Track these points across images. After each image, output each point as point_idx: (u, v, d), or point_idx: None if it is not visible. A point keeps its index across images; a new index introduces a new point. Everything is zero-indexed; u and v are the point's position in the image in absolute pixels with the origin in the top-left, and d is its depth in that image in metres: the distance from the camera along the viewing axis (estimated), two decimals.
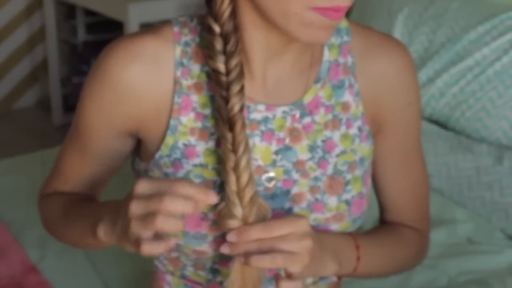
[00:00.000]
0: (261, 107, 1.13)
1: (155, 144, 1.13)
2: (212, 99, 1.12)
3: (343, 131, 1.17)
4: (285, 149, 1.14)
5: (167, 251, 0.92)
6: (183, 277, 1.26)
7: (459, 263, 1.92)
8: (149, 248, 0.89)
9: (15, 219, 2.16)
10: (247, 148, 1.03)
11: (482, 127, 2.43)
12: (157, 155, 1.13)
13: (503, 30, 2.50)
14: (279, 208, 1.13)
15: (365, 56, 1.20)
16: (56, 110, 4.82)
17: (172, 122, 1.11)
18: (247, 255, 1.00)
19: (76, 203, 1.23)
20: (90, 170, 1.23)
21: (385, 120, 1.23)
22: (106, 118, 1.15)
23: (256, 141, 1.13)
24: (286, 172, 1.14)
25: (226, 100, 1.03)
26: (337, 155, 1.17)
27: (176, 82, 1.12)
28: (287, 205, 1.15)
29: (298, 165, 1.15)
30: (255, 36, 1.08)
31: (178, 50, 1.13)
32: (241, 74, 1.04)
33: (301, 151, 1.15)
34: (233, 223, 1.02)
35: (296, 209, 1.15)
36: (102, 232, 1.02)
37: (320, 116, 1.16)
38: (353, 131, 1.18)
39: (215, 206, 1.06)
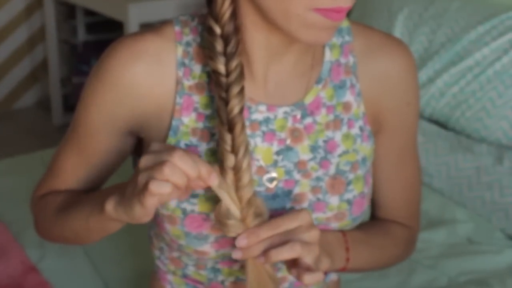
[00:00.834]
0: (262, 107, 1.13)
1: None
2: (212, 100, 1.12)
3: (344, 131, 1.18)
4: (286, 150, 1.15)
5: (171, 197, 0.94)
6: (184, 276, 1.26)
7: (459, 263, 1.92)
8: (157, 186, 0.89)
9: (15, 219, 2.16)
10: (248, 150, 1.03)
11: (482, 127, 2.43)
12: None
13: (503, 30, 2.51)
14: (281, 208, 1.13)
15: (367, 56, 1.20)
16: (56, 110, 4.82)
17: (174, 122, 1.11)
18: (264, 253, 1.01)
19: (77, 194, 1.22)
20: (88, 170, 1.22)
21: (384, 120, 1.24)
22: (107, 117, 1.15)
23: (258, 142, 1.13)
24: (288, 172, 1.15)
25: (226, 102, 1.03)
26: (339, 155, 1.17)
27: (178, 82, 1.13)
28: (288, 205, 1.15)
29: (300, 166, 1.15)
30: (257, 37, 1.08)
31: (180, 50, 1.13)
32: (241, 76, 1.04)
33: (302, 151, 1.15)
34: (231, 223, 1.02)
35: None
36: (111, 205, 1.00)
37: (322, 117, 1.16)
38: (355, 131, 1.19)
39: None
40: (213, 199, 1.08)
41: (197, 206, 1.11)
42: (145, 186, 0.90)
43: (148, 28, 1.17)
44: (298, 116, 1.15)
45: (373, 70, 1.20)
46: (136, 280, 1.81)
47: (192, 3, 3.84)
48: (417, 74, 1.25)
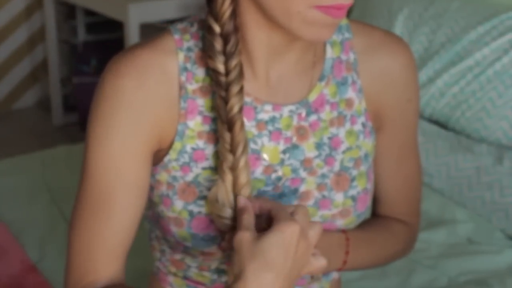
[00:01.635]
0: (268, 107, 1.13)
1: (164, 149, 1.11)
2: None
3: (348, 128, 1.18)
4: (292, 148, 1.15)
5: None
6: (186, 278, 1.26)
7: (459, 263, 1.93)
8: None
9: (15, 219, 2.17)
10: (246, 149, 1.04)
11: (482, 127, 2.44)
12: (165, 159, 1.12)
13: (503, 30, 2.51)
14: None
15: (368, 53, 1.21)
16: (56, 110, 4.83)
17: (179, 127, 1.10)
18: None
19: None
20: (120, 226, 1.09)
21: (385, 117, 1.25)
22: (127, 145, 1.09)
23: (265, 141, 1.13)
24: (294, 170, 1.15)
25: (226, 101, 1.03)
26: (343, 152, 1.18)
27: (181, 87, 1.12)
28: (294, 203, 1.14)
29: (306, 163, 1.16)
30: (258, 36, 1.08)
31: (181, 56, 1.12)
32: (240, 75, 1.04)
33: (308, 149, 1.16)
34: (223, 222, 1.04)
35: None
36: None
37: (326, 114, 1.17)
38: (357, 127, 1.19)
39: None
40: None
41: (204, 208, 1.11)
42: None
43: (146, 40, 1.16)
44: (303, 114, 1.15)
45: (373, 67, 1.21)
46: (135, 281, 1.80)
47: (192, 3, 3.85)
48: (417, 72, 1.26)
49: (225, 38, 1.04)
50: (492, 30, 2.54)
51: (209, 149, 1.11)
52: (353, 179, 1.18)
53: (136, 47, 1.14)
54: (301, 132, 1.15)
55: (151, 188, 1.16)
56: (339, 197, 1.17)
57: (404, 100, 1.25)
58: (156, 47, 1.12)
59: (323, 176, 1.16)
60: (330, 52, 1.18)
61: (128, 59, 1.10)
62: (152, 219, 1.23)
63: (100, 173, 1.08)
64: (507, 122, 2.38)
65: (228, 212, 1.03)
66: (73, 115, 4.81)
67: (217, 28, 1.03)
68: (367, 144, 1.21)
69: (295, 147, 1.15)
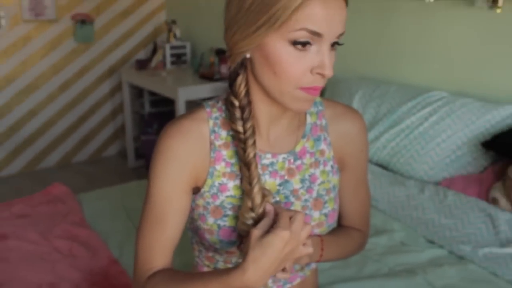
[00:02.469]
0: (269, 155, 1.13)
1: (200, 184, 1.12)
2: (236, 152, 1.12)
3: (321, 169, 1.19)
4: (285, 182, 1.15)
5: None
6: (215, 268, 1.24)
7: (396, 258, 1.91)
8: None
9: (103, 229, 2.17)
10: (259, 181, 1.03)
11: (410, 169, 2.46)
12: (202, 191, 1.12)
13: (424, 105, 2.55)
14: None
15: (334, 120, 1.21)
16: (130, 158, 4.81)
17: (210, 169, 1.11)
18: None
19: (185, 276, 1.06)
20: (170, 233, 1.11)
21: (346, 162, 1.24)
22: (176, 182, 1.10)
23: (267, 178, 1.13)
24: (286, 197, 1.15)
25: (244, 150, 1.04)
26: (319, 184, 1.18)
27: (211, 143, 1.12)
28: None
29: (294, 192, 1.16)
30: (262, 108, 1.09)
31: (211, 122, 1.12)
32: (253, 133, 1.05)
33: (295, 183, 1.16)
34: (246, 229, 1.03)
35: None
36: (231, 278, 0.93)
37: (307, 159, 1.17)
38: (328, 168, 1.20)
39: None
40: (237, 218, 1.10)
41: (227, 222, 1.12)
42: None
43: (188, 112, 1.16)
44: (292, 160, 1.15)
45: (338, 129, 1.21)
46: (183, 269, 1.81)
47: (219, 87, 3.88)
48: (367, 132, 1.25)
49: (242, 109, 1.05)
50: (417, 105, 2.58)
51: (230, 184, 1.11)
52: (325, 202, 1.18)
53: (181, 117, 1.14)
54: (290, 172, 1.15)
55: (192, 209, 1.17)
56: (316, 214, 1.17)
57: (359, 151, 1.25)
58: (194, 117, 1.12)
59: (306, 200, 1.16)
60: (309, 119, 1.19)
61: (175, 126, 1.11)
62: (192, 230, 1.23)
63: (157, 200, 1.10)
64: (427, 166, 2.40)
65: (250, 221, 1.03)
66: (141, 161, 4.78)
67: (236, 102, 1.05)
68: (334, 179, 1.21)
69: (286, 181, 1.15)
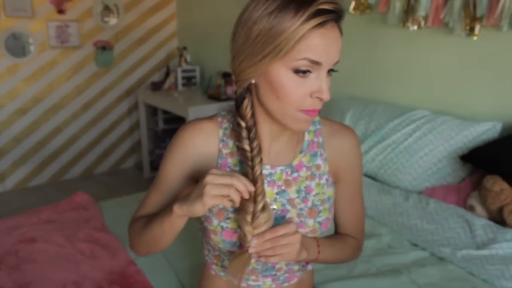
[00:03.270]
0: (268, 166, 1.14)
1: None
2: (240, 162, 1.13)
3: (317, 181, 1.18)
4: (282, 192, 1.15)
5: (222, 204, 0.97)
6: (222, 266, 1.25)
7: (383, 259, 1.91)
8: (216, 192, 0.95)
9: (122, 233, 2.15)
10: (265, 195, 1.04)
11: (396, 179, 2.46)
12: None
13: (409, 122, 2.55)
14: None
15: (330, 137, 1.21)
16: (146, 169, 4.81)
17: None
18: (263, 254, 1.04)
19: (155, 213, 1.17)
20: (163, 200, 1.19)
21: (341, 175, 1.23)
22: (179, 167, 1.15)
23: (265, 186, 1.13)
24: (283, 205, 1.15)
25: (252, 168, 1.04)
26: (314, 195, 1.17)
27: (219, 150, 1.14)
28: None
29: (290, 201, 1.15)
30: (264, 126, 1.10)
31: (221, 132, 1.15)
32: (260, 151, 1.05)
33: (291, 193, 1.16)
34: (249, 229, 1.04)
35: None
36: (177, 205, 1.00)
37: (303, 172, 1.17)
38: (323, 181, 1.19)
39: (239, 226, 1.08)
40: (237, 221, 1.10)
41: (230, 224, 1.12)
42: (210, 193, 0.94)
43: (205, 117, 1.20)
44: (289, 172, 1.16)
45: (334, 145, 1.21)
46: (194, 269, 1.80)
47: (225, 108, 3.89)
48: (360, 148, 1.25)
49: (249, 129, 1.05)
50: (402, 122, 2.58)
51: None
52: (320, 212, 1.17)
53: (199, 118, 1.18)
54: (287, 183, 1.15)
55: None
56: (310, 222, 1.16)
57: (353, 166, 1.24)
58: (209, 122, 1.16)
59: (301, 209, 1.16)
60: (307, 136, 1.19)
61: (192, 123, 1.16)
62: (202, 231, 1.23)
63: (160, 175, 1.19)
64: (411, 177, 2.40)
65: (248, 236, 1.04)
66: (156, 173, 4.69)
67: (243, 123, 1.06)
68: (329, 191, 1.20)
69: (283, 191, 1.15)
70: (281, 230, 1.03)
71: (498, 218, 2.02)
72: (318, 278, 1.72)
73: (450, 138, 2.36)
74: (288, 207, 1.16)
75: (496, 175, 2.05)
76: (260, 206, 1.03)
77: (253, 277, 1.24)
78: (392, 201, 2.29)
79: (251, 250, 1.03)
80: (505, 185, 1.99)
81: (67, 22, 4.38)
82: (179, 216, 1.02)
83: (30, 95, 4.36)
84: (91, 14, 4.53)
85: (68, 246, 1.99)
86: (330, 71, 1.00)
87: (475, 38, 2.39)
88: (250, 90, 1.06)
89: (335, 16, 0.96)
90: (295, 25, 0.92)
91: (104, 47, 4.62)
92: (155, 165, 4.77)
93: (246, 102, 1.05)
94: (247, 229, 1.04)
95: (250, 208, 1.03)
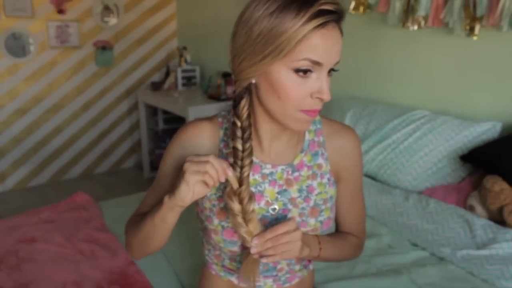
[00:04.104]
0: (269, 166, 1.14)
1: None
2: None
3: (318, 181, 1.18)
4: (283, 191, 1.15)
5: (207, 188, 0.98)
6: (223, 265, 1.25)
7: (383, 259, 1.91)
8: (192, 179, 0.96)
9: (121, 233, 2.09)
10: (251, 199, 1.05)
11: (396, 179, 2.46)
12: (208, 194, 1.14)
13: (409, 122, 2.55)
14: None
15: (331, 136, 1.21)
16: (146, 169, 4.81)
17: None
18: (265, 253, 1.04)
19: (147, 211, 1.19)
20: (158, 198, 1.20)
21: (342, 175, 1.23)
22: (175, 168, 1.16)
23: (266, 186, 1.13)
24: (284, 204, 1.15)
25: (241, 167, 1.04)
26: (316, 195, 1.17)
27: (220, 150, 1.14)
28: None
29: (292, 200, 1.15)
30: (264, 127, 1.10)
31: (221, 132, 1.15)
32: (251, 153, 1.04)
33: (293, 192, 1.15)
34: (243, 235, 1.05)
35: None
36: (167, 197, 1.01)
37: (304, 172, 1.17)
38: (325, 180, 1.19)
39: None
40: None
41: (230, 224, 1.11)
42: (191, 180, 0.96)
43: (207, 117, 1.20)
44: (290, 171, 1.15)
45: (335, 145, 1.20)
46: (194, 269, 1.80)
47: (224, 108, 3.88)
48: (361, 148, 1.25)
49: (243, 129, 1.04)
50: (402, 122, 2.58)
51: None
52: (321, 211, 1.17)
53: (200, 118, 1.19)
54: (288, 182, 1.15)
55: (201, 211, 1.18)
56: (312, 221, 1.16)
57: (353, 165, 1.23)
58: (210, 122, 1.16)
59: (303, 208, 1.16)
60: (307, 136, 1.18)
61: (193, 122, 1.17)
62: (202, 231, 1.23)
63: (160, 174, 1.21)
64: (411, 177, 2.40)
65: (243, 232, 1.05)
66: (156, 172, 4.72)
67: (238, 123, 1.04)
68: (331, 190, 1.20)
69: (285, 190, 1.15)
70: (281, 228, 1.03)
71: (498, 218, 2.02)
72: (318, 278, 1.72)
73: (450, 138, 2.36)
74: (290, 206, 1.16)
75: (496, 175, 2.05)
76: (250, 207, 1.04)
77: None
78: (392, 201, 2.29)
79: (252, 251, 1.04)
80: (505, 185, 2.00)
81: (67, 22, 4.38)
82: (170, 207, 1.02)
83: (30, 95, 4.37)
84: (91, 14, 4.53)
85: (68, 246, 1.99)
86: (331, 71, 1.00)
87: (475, 38, 2.39)
88: (249, 90, 1.05)
89: (336, 16, 0.96)
90: (296, 25, 0.92)
91: (104, 47, 4.62)
92: (155, 165, 4.77)
93: (243, 102, 1.05)
94: (243, 230, 1.04)
95: (237, 209, 1.04)
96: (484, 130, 2.33)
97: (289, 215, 1.15)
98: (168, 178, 1.19)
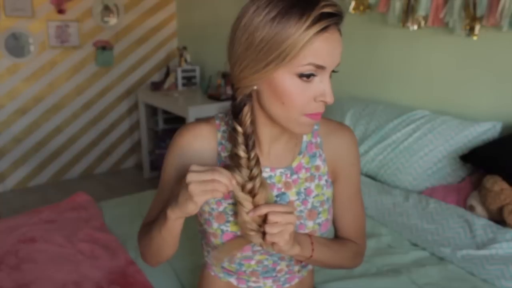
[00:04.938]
0: (267, 169, 1.13)
1: None
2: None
3: (316, 183, 1.17)
4: (282, 194, 1.14)
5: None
6: (222, 267, 1.25)
7: (383, 259, 1.91)
8: (204, 194, 0.93)
9: (122, 233, 2.17)
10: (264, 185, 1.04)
11: (396, 179, 2.47)
12: None
13: (409, 122, 2.55)
14: None
15: (328, 136, 1.19)
16: (146, 169, 4.81)
17: None
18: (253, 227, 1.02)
19: (153, 221, 1.18)
20: (163, 203, 1.20)
21: (338, 174, 1.22)
22: (177, 172, 1.15)
23: None
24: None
25: (250, 178, 1.02)
26: (313, 197, 1.17)
27: (218, 154, 1.13)
28: None
29: (290, 204, 1.15)
30: (264, 130, 1.09)
31: (219, 135, 1.13)
32: (258, 161, 1.03)
33: (291, 195, 1.15)
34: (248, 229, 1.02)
35: None
36: (169, 209, 0.99)
37: (302, 174, 1.16)
38: (322, 182, 1.18)
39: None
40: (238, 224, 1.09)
41: (229, 227, 1.11)
42: (191, 195, 0.93)
43: (203, 119, 1.19)
44: (288, 174, 1.15)
45: (331, 144, 1.19)
46: (194, 269, 1.80)
47: (225, 106, 3.89)
48: (358, 147, 1.24)
49: (247, 136, 1.03)
50: (402, 122, 2.58)
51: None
52: (319, 213, 1.17)
53: (196, 121, 1.17)
54: (287, 185, 1.14)
55: (200, 214, 1.17)
56: (310, 223, 1.15)
57: (350, 165, 1.22)
58: (206, 125, 1.15)
59: (301, 211, 1.15)
60: (305, 137, 1.17)
61: (189, 126, 1.16)
62: (201, 233, 1.22)
63: (163, 181, 1.20)
64: (411, 177, 2.41)
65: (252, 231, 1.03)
66: (156, 172, 4.77)
67: (240, 129, 1.03)
68: (328, 192, 1.19)
69: (283, 193, 1.14)
70: (278, 207, 1.01)
71: (498, 218, 2.02)
72: (318, 278, 1.72)
73: (450, 138, 2.36)
74: None
75: (496, 175, 2.05)
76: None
77: (253, 279, 1.24)
78: (392, 201, 2.29)
79: (249, 214, 1.02)
80: (505, 185, 2.00)
81: (67, 22, 4.38)
82: (173, 219, 1.02)
83: (30, 95, 4.37)
84: (91, 14, 4.53)
85: (68, 246, 1.99)
86: (331, 72, 1.00)
87: (475, 38, 2.39)
88: (250, 96, 1.04)
89: (337, 19, 0.95)
90: (299, 30, 0.90)
91: (104, 47, 4.62)
92: (155, 165, 4.78)
93: (246, 109, 1.04)
94: (243, 196, 1.02)
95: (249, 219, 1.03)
96: (484, 130, 2.33)
97: None
98: (170, 187, 1.19)
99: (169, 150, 1.17)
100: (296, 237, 1.09)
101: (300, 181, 1.16)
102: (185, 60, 4.66)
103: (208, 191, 0.93)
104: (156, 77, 5.06)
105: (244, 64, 0.97)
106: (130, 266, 1.86)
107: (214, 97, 4.09)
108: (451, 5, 2.43)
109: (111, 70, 4.77)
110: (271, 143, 1.12)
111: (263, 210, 1.00)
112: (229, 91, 4.03)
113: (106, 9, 4.60)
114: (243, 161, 1.03)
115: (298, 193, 1.16)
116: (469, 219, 2.01)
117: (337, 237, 1.31)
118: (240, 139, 1.03)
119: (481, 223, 1.97)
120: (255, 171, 1.02)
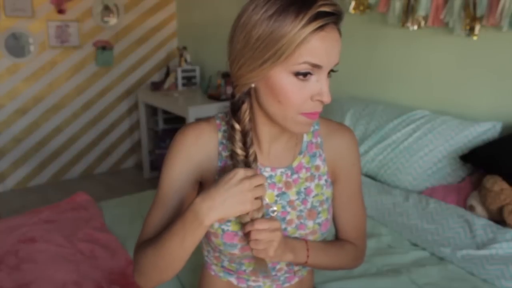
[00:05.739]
0: (268, 169, 1.13)
1: (209, 186, 1.05)
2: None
3: (316, 182, 1.18)
4: (282, 194, 1.15)
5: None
6: (222, 266, 1.25)
7: (383, 259, 1.91)
8: (254, 196, 0.95)
9: (121, 233, 2.17)
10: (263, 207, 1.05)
11: (396, 179, 2.47)
12: None
13: (409, 122, 2.55)
14: None
15: (328, 137, 1.20)
16: (146, 169, 4.81)
17: (216, 178, 1.12)
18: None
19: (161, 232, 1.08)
20: (167, 213, 1.12)
21: (338, 174, 1.22)
22: (182, 173, 1.12)
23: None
24: (283, 207, 1.15)
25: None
26: (313, 196, 1.17)
27: (219, 153, 1.13)
28: (283, 226, 1.15)
29: (290, 203, 1.15)
30: (264, 129, 1.09)
31: (220, 135, 1.13)
32: (255, 158, 1.04)
33: (291, 194, 1.15)
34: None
35: (289, 229, 1.15)
36: (206, 215, 0.94)
37: (303, 174, 1.16)
38: (322, 182, 1.19)
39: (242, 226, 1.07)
40: (239, 224, 1.10)
41: (230, 227, 1.11)
42: (252, 198, 0.95)
43: (203, 119, 1.18)
44: (289, 174, 1.15)
45: (332, 145, 1.20)
46: (194, 269, 1.78)
47: (225, 106, 3.89)
48: (358, 147, 1.24)
49: (244, 134, 1.04)
50: (402, 122, 2.58)
51: None
52: (319, 213, 1.17)
53: (197, 121, 1.16)
54: (287, 185, 1.15)
55: None
56: (310, 223, 1.16)
57: (350, 165, 1.22)
58: (207, 124, 1.14)
59: (300, 211, 1.15)
60: (305, 137, 1.18)
61: (190, 126, 1.14)
62: None
63: (163, 185, 1.13)
64: (411, 177, 2.40)
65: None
66: (156, 172, 4.77)
67: (238, 127, 1.04)
68: (328, 192, 1.20)
69: (283, 193, 1.15)
70: (263, 224, 1.01)
71: (498, 218, 2.02)
72: (318, 278, 1.72)
73: (450, 138, 2.36)
74: (288, 209, 1.15)
75: (496, 175, 2.05)
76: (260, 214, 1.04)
77: (253, 278, 1.24)
78: (392, 201, 2.29)
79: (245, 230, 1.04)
80: (505, 185, 2.00)
81: (67, 22, 4.38)
82: (206, 226, 0.97)
83: (30, 95, 4.37)
84: (91, 14, 4.53)
85: (68, 246, 1.99)
86: (330, 72, 1.00)
87: (475, 38, 2.40)
88: (249, 93, 1.05)
89: (335, 18, 0.95)
90: (295, 28, 0.91)
91: (104, 47, 4.62)
92: (155, 165, 4.78)
93: (245, 106, 1.04)
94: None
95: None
96: (484, 130, 2.33)
97: (288, 218, 1.15)
98: (176, 186, 1.13)
99: (171, 150, 1.15)
100: (290, 243, 1.10)
101: (300, 180, 1.16)
102: (185, 60, 4.66)
103: (258, 199, 0.97)
104: (156, 77, 5.06)
105: (242, 61, 0.98)
106: (130, 266, 1.86)
107: (214, 97, 4.09)
108: (451, 5, 2.43)
109: (111, 70, 4.77)
110: (271, 143, 1.13)
111: (246, 229, 1.02)
112: (229, 91, 4.03)
113: (106, 9, 4.60)
114: (241, 159, 1.03)
115: (298, 193, 1.16)
116: (469, 219, 2.01)
117: (337, 237, 1.31)
118: (238, 136, 1.04)
119: (481, 223, 1.97)
120: (253, 168, 1.03)
